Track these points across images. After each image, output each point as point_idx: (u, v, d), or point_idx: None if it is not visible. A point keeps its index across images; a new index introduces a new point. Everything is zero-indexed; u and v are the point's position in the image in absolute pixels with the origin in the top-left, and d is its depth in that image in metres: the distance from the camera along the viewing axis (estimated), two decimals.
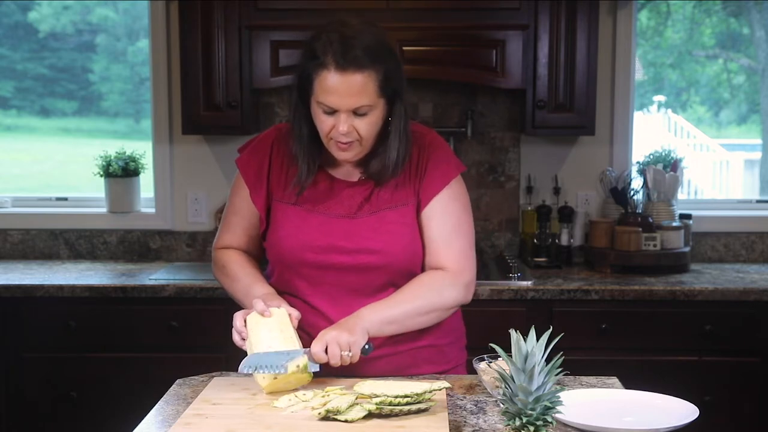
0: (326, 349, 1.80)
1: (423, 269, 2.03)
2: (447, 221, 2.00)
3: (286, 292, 2.02)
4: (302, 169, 1.97)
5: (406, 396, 1.66)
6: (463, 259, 2.00)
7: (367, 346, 1.85)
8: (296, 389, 1.82)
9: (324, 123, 1.89)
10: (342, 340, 1.81)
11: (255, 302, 1.88)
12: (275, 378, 1.79)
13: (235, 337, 1.90)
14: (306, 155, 1.96)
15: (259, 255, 2.14)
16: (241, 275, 2.05)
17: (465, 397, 1.84)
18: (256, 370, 1.77)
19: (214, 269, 2.14)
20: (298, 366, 1.79)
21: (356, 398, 1.70)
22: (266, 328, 1.85)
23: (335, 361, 1.81)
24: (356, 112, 1.87)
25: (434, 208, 1.99)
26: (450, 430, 1.63)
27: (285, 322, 1.87)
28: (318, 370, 1.83)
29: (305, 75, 1.88)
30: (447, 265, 1.99)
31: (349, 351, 1.81)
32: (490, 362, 1.80)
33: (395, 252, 1.96)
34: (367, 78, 1.84)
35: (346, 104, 1.85)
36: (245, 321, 1.89)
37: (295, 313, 1.91)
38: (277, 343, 1.82)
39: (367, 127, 1.89)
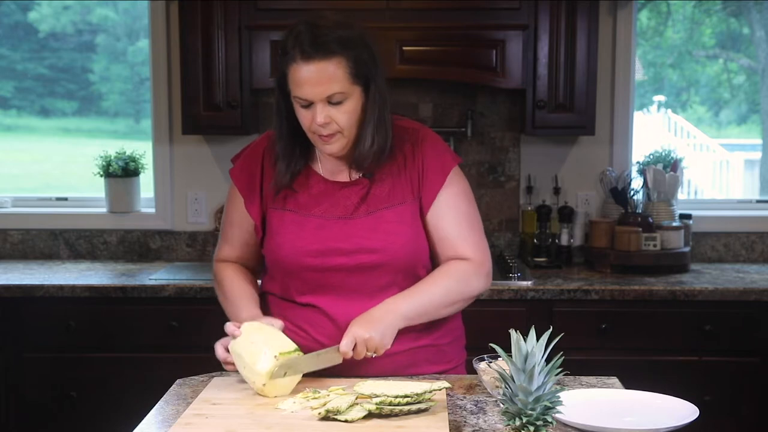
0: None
1: (433, 265, 2.03)
2: (457, 217, 2.00)
3: (288, 299, 2.02)
4: (280, 167, 1.97)
5: (406, 396, 1.66)
6: (482, 249, 2.02)
7: None
8: (294, 389, 1.82)
9: (304, 117, 1.90)
10: (371, 343, 1.84)
11: (226, 326, 1.88)
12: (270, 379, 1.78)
13: (226, 367, 1.91)
14: (286, 155, 1.97)
15: (259, 264, 2.14)
16: (231, 296, 2.05)
17: (465, 397, 1.84)
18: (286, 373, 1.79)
19: (214, 283, 2.14)
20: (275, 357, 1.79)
21: (356, 398, 1.69)
22: (245, 338, 1.84)
23: (359, 358, 1.85)
24: (331, 101, 1.87)
25: (441, 206, 1.99)
26: (450, 430, 1.63)
27: (262, 329, 1.86)
28: (340, 362, 1.85)
29: (281, 73, 1.90)
30: (468, 255, 2.00)
31: (375, 354, 1.85)
32: (490, 362, 1.80)
33: (394, 250, 1.95)
34: (336, 65, 1.84)
35: (318, 93, 1.85)
36: (227, 349, 1.89)
37: (278, 324, 1.91)
38: (266, 347, 1.81)
39: (344, 116, 1.89)
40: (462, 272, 1.99)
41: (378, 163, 1.96)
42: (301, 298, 1.99)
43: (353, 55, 1.86)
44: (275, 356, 1.78)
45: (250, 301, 2.02)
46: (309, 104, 1.87)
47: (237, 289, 2.05)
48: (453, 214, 2.00)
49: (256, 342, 1.81)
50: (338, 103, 1.87)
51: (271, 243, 2.00)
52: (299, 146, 1.98)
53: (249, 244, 2.09)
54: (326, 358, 1.85)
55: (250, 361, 1.79)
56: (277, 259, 1.99)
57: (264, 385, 1.78)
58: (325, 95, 1.85)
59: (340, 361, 1.85)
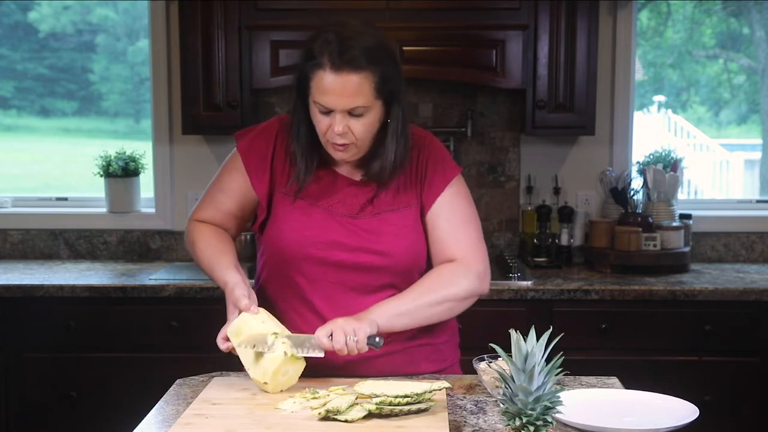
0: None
1: (430, 268, 2.03)
2: (453, 216, 2.01)
3: (281, 290, 2.01)
4: (300, 168, 1.97)
5: (406, 396, 1.66)
6: (473, 249, 2.01)
7: (377, 339, 1.83)
8: (294, 388, 1.83)
9: (321, 123, 1.90)
10: (347, 327, 1.81)
11: (218, 342, 1.90)
12: (272, 373, 1.80)
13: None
14: (304, 154, 1.96)
15: (237, 236, 2.12)
16: (208, 259, 2.00)
17: (465, 397, 1.84)
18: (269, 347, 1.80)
19: (186, 241, 2.10)
20: (285, 353, 1.80)
21: (356, 398, 1.69)
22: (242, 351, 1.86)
23: (339, 347, 1.80)
24: (352, 113, 1.87)
25: (439, 207, 2.00)
26: (450, 430, 1.63)
27: (243, 330, 1.87)
28: (323, 355, 1.82)
29: (303, 75, 1.89)
30: (457, 256, 1.99)
31: (354, 336, 1.80)
32: (490, 362, 1.80)
33: (397, 253, 1.96)
34: (363, 79, 1.84)
35: (342, 104, 1.85)
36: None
37: (244, 303, 1.88)
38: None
39: (362, 128, 1.89)
40: (446, 273, 1.98)
41: (395, 174, 1.97)
42: (296, 291, 1.99)
43: (380, 71, 1.86)
44: (265, 380, 1.81)
45: (227, 262, 1.97)
46: (329, 111, 1.87)
47: (214, 251, 2.01)
48: (450, 215, 2.01)
49: (243, 354, 1.84)
50: (359, 115, 1.87)
51: (274, 228, 1.99)
52: (319, 147, 1.97)
53: (236, 216, 2.07)
54: (307, 343, 1.83)
55: (247, 370, 1.85)
56: (280, 246, 1.98)
57: (265, 383, 1.82)
58: (349, 107, 1.85)
59: (322, 354, 1.82)
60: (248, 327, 1.85)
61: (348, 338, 1.80)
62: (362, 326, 1.81)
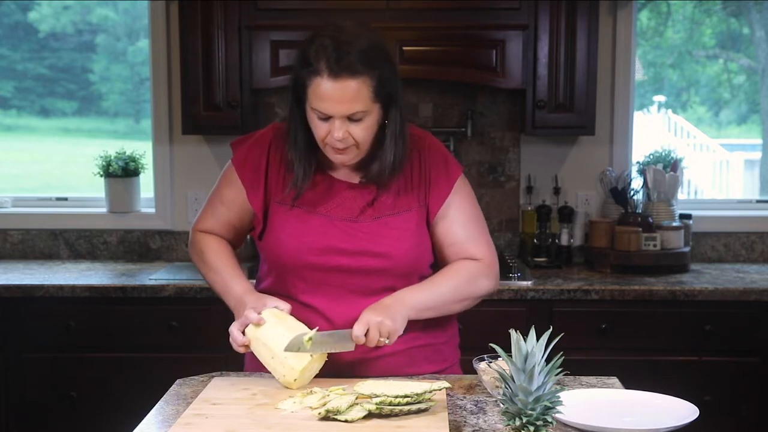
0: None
1: (435, 270, 2.04)
2: (467, 220, 2.03)
3: (284, 294, 2.01)
4: (298, 173, 1.96)
5: (406, 396, 1.66)
6: (491, 250, 2.05)
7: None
8: (297, 388, 1.83)
9: (319, 129, 1.89)
10: (384, 328, 1.85)
11: (247, 314, 1.88)
12: (304, 367, 1.81)
13: (239, 350, 1.91)
14: (302, 160, 1.96)
15: (239, 245, 2.14)
16: (218, 266, 2.04)
17: (465, 397, 1.84)
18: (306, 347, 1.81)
19: (192, 251, 2.12)
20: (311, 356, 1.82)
21: (356, 398, 1.69)
22: (271, 329, 1.85)
23: (373, 345, 1.85)
24: (351, 118, 1.86)
25: (450, 212, 2.01)
26: (450, 430, 1.63)
27: (282, 317, 1.88)
28: (353, 349, 1.85)
29: (299, 82, 1.88)
30: (479, 257, 2.02)
31: (387, 339, 1.85)
32: (490, 362, 1.80)
33: (398, 255, 1.96)
34: (361, 84, 1.84)
35: (341, 110, 1.84)
36: (243, 332, 1.89)
37: (285, 306, 1.91)
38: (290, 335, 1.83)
39: (362, 132, 1.89)
40: (472, 271, 2.01)
41: (394, 175, 1.97)
42: (298, 295, 1.99)
43: (377, 75, 1.85)
44: (311, 355, 1.81)
45: (239, 274, 2.03)
46: (327, 117, 1.87)
47: (223, 261, 2.05)
48: (462, 219, 2.02)
49: (285, 335, 1.83)
50: (358, 120, 1.87)
51: (272, 238, 2.00)
52: (316, 152, 1.97)
53: (235, 227, 2.09)
54: (339, 341, 1.85)
55: (283, 356, 1.82)
56: (278, 254, 1.98)
57: (295, 380, 1.82)
58: (348, 113, 1.85)
59: (352, 348, 1.85)
60: (287, 320, 1.87)
61: (381, 339, 1.84)
62: (398, 329, 1.87)
